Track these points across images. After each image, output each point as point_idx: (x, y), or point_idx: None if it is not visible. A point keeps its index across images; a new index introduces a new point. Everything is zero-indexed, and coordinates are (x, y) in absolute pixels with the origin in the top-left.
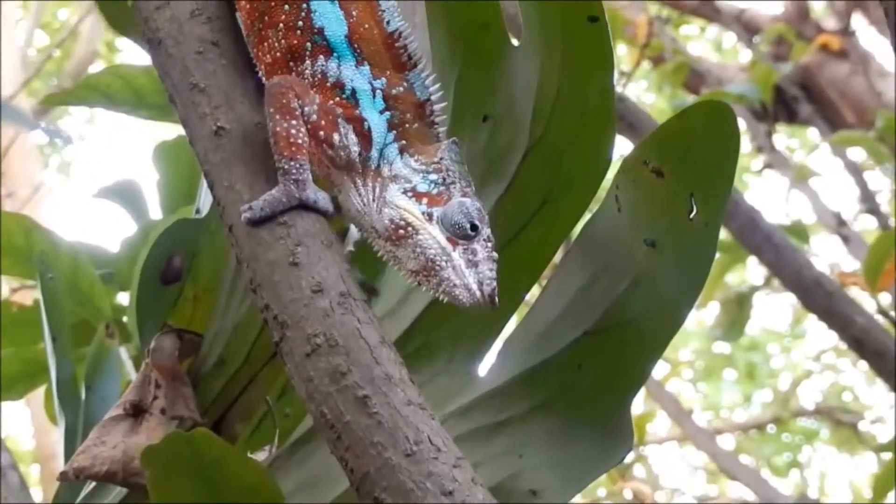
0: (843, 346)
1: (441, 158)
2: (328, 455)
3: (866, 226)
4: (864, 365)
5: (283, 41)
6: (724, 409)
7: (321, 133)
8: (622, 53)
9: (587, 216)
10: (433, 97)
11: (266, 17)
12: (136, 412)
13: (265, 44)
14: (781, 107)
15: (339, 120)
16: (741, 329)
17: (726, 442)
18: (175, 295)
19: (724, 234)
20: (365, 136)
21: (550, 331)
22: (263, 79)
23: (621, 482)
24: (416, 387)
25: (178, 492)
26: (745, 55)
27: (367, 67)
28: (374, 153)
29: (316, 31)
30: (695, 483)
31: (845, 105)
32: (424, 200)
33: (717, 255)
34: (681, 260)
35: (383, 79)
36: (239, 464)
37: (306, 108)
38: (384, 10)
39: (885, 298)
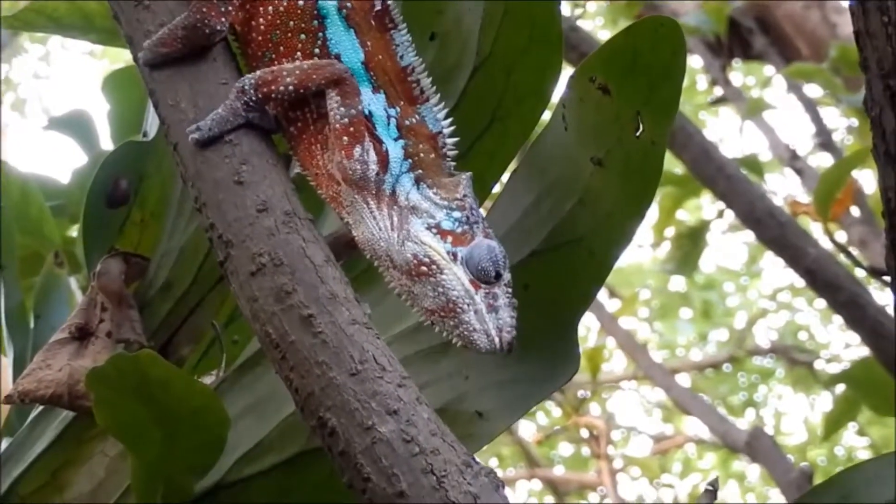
0: (799, 284)
1: (464, 195)
2: (274, 378)
3: (821, 162)
4: (819, 304)
5: None
6: (680, 349)
7: (344, 139)
8: None
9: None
10: (445, 130)
11: (281, 48)
12: (82, 335)
13: None
14: (736, 41)
15: (365, 136)
16: (694, 263)
17: (682, 381)
18: (122, 218)
19: (677, 167)
20: (383, 158)
21: None
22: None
23: (576, 417)
24: (362, 307)
25: (123, 414)
26: None
27: (383, 95)
28: (390, 178)
29: (333, 57)
30: (650, 422)
31: (800, 39)
32: (449, 239)
33: (670, 188)
34: (627, 178)
35: (397, 108)
36: (185, 385)
37: (341, 109)
38: (398, 45)
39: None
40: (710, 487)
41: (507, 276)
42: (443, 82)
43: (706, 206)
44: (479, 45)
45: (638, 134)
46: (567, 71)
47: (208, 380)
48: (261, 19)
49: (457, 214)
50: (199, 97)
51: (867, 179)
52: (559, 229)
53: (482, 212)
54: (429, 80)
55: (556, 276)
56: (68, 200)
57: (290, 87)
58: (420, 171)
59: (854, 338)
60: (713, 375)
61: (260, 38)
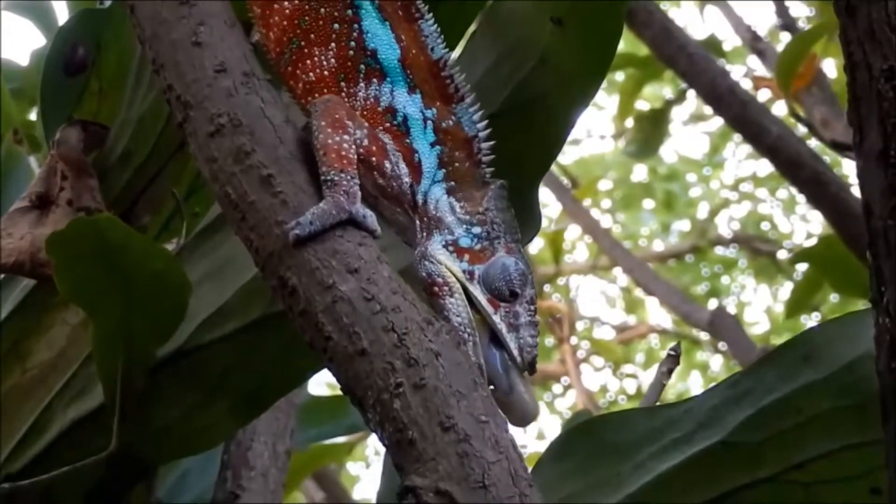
0: (762, 174)
1: (487, 209)
2: (235, 243)
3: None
4: (782, 194)
5: (332, 60)
6: (643, 239)
7: (373, 160)
8: None
9: None
10: (481, 134)
11: (312, 35)
12: (43, 204)
13: (308, 61)
14: None
15: (389, 148)
16: (656, 146)
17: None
18: (80, 87)
19: (638, 48)
20: (415, 168)
21: None
22: (296, 99)
23: (538, 301)
24: None
25: (83, 279)
26: None
27: (419, 95)
28: (424, 186)
29: (369, 53)
30: (613, 313)
31: None
32: (466, 257)
33: (631, 71)
34: (587, 36)
35: (434, 109)
36: (145, 249)
37: (358, 132)
38: (427, 36)
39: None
40: (672, 353)
41: (528, 292)
42: None
43: (667, 95)
44: None
45: None
46: None
47: (169, 248)
48: (285, 2)
49: (476, 230)
50: None
51: (829, 67)
52: (518, 90)
53: (511, 221)
54: (462, 77)
55: (516, 137)
56: (27, 83)
57: (345, 139)
58: (452, 182)
59: (816, 228)
60: (676, 266)
61: (285, 22)
